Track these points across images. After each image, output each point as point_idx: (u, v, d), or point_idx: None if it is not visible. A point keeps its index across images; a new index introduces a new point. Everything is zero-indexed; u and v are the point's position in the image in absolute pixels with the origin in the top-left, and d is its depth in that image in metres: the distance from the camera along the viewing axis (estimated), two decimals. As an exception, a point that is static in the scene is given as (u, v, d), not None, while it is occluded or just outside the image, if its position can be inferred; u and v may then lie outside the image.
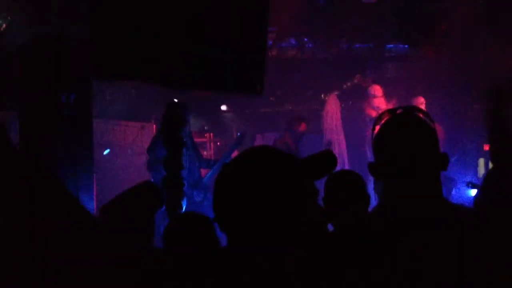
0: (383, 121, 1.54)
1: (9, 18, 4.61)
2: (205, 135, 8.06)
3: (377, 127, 1.55)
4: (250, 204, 1.08)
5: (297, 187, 1.10)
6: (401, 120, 1.51)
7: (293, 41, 7.08)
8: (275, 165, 1.11)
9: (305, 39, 7.04)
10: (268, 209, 1.07)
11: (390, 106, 6.85)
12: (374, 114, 6.97)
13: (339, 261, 1.36)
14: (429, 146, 1.46)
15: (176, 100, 4.18)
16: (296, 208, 1.08)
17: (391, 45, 7.14)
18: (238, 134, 5.33)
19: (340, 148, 7.62)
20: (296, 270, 1.06)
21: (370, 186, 2.51)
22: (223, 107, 8.38)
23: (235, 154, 5.52)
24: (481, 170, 5.93)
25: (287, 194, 1.08)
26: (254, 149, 1.18)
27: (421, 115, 1.51)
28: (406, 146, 1.44)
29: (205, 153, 7.46)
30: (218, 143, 8.15)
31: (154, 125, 6.78)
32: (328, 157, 1.15)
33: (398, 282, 1.27)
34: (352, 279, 1.30)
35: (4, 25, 4.73)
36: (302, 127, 5.82)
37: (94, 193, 4.26)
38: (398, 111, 1.54)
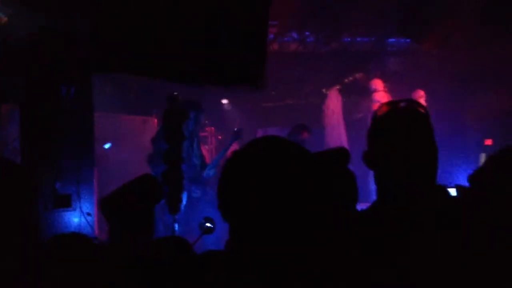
0: (383, 112, 1.54)
1: (10, 11, 4.60)
2: (206, 129, 8.07)
3: (377, 117, 1.54)
4: (258, 194, 1.07)
5: (309, 180, 1.10)
6: (405, 113, 1.51)
7: (294, 35, 7.05)
8: (287, 156, 1.11)
9: (307, 33, 7.01)
10: (277, 199, 1.06)
11: (393, 99, 6.83)
12: (375, 108, 6.96)
13: (333, 258, 1.37)
14: (430, 142, 1.46)
15: (176, 93, 4.18)
16: (306, 200, 1.08)
17: (393, 39, 7.12)
18: (235, 129, 5.34)
19: (341, 143, 7.62)
20: (293, 266, 1.06)
21: (371, 180, 2.51)
22: (224, 101, 8.38)
23: (233, 148, 5.54)
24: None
25: (298, 186, 1.08)
26: (267, 139, 1.17)
27: (422, 110, 1.51)
28: (408, 139, 1.44)
29: (206, 147, 7.47)
30: (219, 137, 8.16)
31: (156, 120, 6.78)
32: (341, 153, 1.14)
33: (392, 280, 1.27)
34: (345, 277, 1.30)
35: (5, 19, 4.72)
36: (304, 135, 6.07)
37: (95, 186, 4.27)
38: (401, 104, 1.54)
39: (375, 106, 6.99)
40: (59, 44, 3.97)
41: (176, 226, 3.77)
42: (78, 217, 3.89)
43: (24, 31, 4.16)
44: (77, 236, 1.65)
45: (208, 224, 3.42)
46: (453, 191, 2.78)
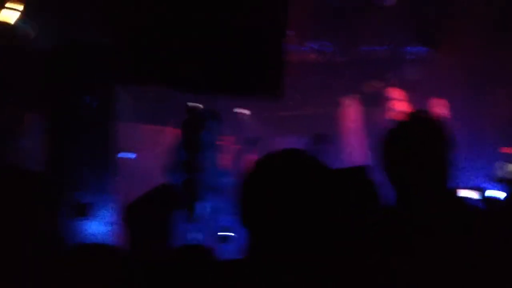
0: (400, 121, 1.58)
1: (35, 24, 4.71)
2: (224, 138, 8.10)
3: (394, 126, 1.58)
4: (279, 204, 1.09)
5: (326, 192, 1.11)
6: (421, 122, 1.54)
7: (312, 44, 7.08)
8: (305, 168, 1.13)
9: (325, 42, 7.03)
10: (294, 210, 1.08)
11: (410, 109, 6.81)
12: (393, 116, 6.93)
13: (351, 267, 1.39)
14: (445, 151, 1.49)
15: (196, 104, 4.24)
16: (322, 211, 1.09)
17: (411, 48, 7.09)
18: (250, 136, 5.33)
19: (360, 151, 7.58)
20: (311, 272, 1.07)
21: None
22: (242, 111, 8.41)
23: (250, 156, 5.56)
24: (499, 173, 5.85)
25: (314, 196, 1.09)
26: (286, 151, 1.19)
27: (437, 120, 1.55)
28: (424, 147, 1.47)
29: (224, 156, 7.49)
30: (237, 146, 8.18)
31: (174, 129, 6.84)
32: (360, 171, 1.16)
33: (402, 282, 1.29)
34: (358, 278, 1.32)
35: (30, 31, 4.83)
36: (326, 144, 6.03)
37: (116, 195, 4.33)
38: (417, 114, 1.58)
39: (393, 115, 6.97)
40: (82, 55, 4.06)
41: (194, 234, 3.81)
42: (99, 226, 3.94)
43: (49, 43, 4.26)
44: (98, 246, 1.68)
45: (226, 233, 3.45)
46: (472, 193, 2.79)
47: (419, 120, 1.59)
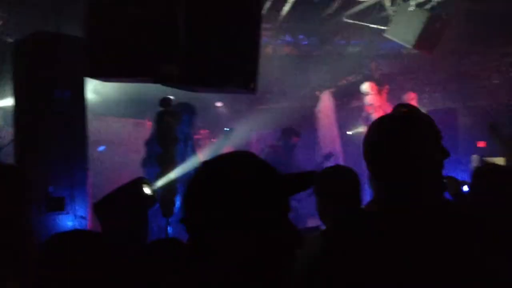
0: (386, 117, 1.54)
1: (5, 15, 4.61)
2: (200, 132, 8.07)
3: (379, 122, 1.54)
4: (220, 210, 1.05)
5: (273, 201, 1.08)
6: (408, 118, 1.50)
7: (288, 38, 7.09)
8: (255, 175, 1.09)
9: (300, 36, 7.05)
10: (238, 219, 1.05)
11: (383, 102, 6.90)
12: (368, 110, 7.02)
13: (330, 257, 1.39)
14: (433, 145, 1.47)
15: (171, 97, 4.20)
16: (267, 222, 1.06)
17: (385, 43, 7.16)
18: (225, 129, 5.33)
19: (334, 145, 7.66)
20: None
21: (365, 181, 2.52)
22: (219, 104, 8.40)
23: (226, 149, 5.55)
24: (474, 166, 5.97)
25: (261, 206, 1.06)
26: (237, 154, 1.16)
27: (425, 115, 1.53)
28: (410, 143, 1.44)
29: (200, 149, 7.47)
30: (214, 140, 8.17)
31: (149, 122, 6.79)
32: (307, 178, 1.12)
33: (388, 278, 1.30)
34: (345, 276, 1.32)
35: (0, 22, 4.73)
36: (295, 139, 6.11)
37: (89, 189, 4.28)
38: (401, 109, 1.56)
39: (368, 109, 7.05)
40: (53, 47, 3.99)
41: (170, 228, 3.79)
42: (72, 221, 3.89)
43: (19, 35, 4.17)
44: (77, 233, 1.65)
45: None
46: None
47: (410, 115, 1.54)
